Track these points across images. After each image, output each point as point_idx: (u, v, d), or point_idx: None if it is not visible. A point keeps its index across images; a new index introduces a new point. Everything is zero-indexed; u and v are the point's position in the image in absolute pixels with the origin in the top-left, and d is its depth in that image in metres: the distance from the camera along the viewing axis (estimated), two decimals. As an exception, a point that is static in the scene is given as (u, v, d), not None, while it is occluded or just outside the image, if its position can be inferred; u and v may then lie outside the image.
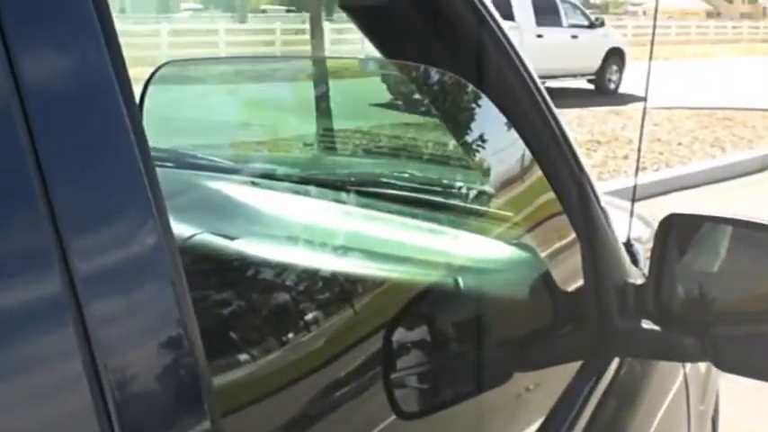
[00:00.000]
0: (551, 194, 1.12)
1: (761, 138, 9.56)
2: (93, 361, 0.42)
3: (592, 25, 14.60)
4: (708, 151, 8.77)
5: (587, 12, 15.55)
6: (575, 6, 14.66)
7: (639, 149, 1.77)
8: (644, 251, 1.59)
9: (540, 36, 13.00)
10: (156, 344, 0.46)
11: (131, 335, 0.45)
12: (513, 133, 1.09)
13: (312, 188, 1.37)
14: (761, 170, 8.15)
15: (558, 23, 13.85)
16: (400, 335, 0.97)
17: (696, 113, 11.02)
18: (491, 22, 1.04)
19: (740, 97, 12.02)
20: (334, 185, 1.41)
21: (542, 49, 11.84)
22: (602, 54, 14.30)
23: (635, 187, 1.46)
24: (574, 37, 14.00)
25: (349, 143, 1.80)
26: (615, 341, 1.17)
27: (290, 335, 0.97)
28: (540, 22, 13.30)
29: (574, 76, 13.86)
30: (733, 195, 6.93)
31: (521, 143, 1.09)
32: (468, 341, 1.10)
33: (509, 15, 11.92)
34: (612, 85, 14.40)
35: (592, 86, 14.33)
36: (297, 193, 1.34)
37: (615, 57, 14.50)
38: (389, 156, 1.69)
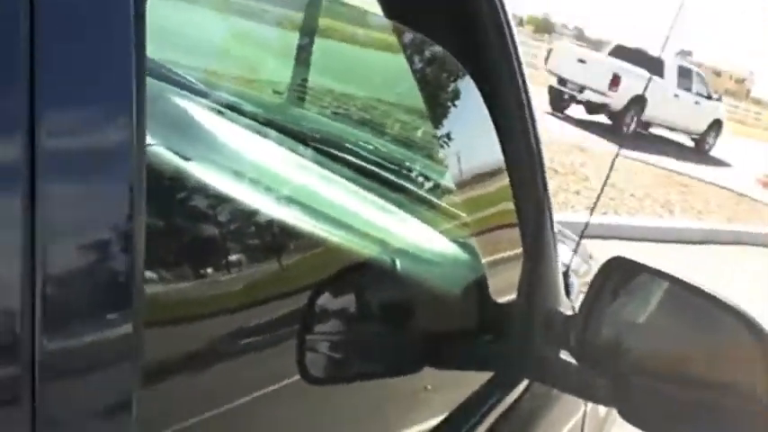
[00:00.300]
0: (510, 205, 1.11)
1: (711, 212, 9.78)
2: (33, 236, 0.42)
3: (709, 96, 18.03)
4: (657, 210, 8.95)
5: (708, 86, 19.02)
6: (702, 79, 18.22)
7: (602, 190, 1.77)
8: (578, 284, 1.60)
9: (676, 96, 16.33)
10: (100, 236, 0.46)
11: (79, 221, 0.45)
12: (492, 134, 1.07)
13: (274, 133, 1.33)
14: (701, 242, 8.33)
15: (689, 89, 17.11)
16: (322, 299, 0.95)
17: (656, 171, 11.24)
18: (506, 30, 1.03)
19: (702, 169, 12.32)
20: (297, 137, 1.38)
21: (674, 105, 15.99)
22: (709, 121, 17.89)
23: (587, 223, 1.46)
24: (696, 102, 17.21)
25: (322, 100, 1.77)
26: (530, 363, 1.17)
27: (212, 269, 0.94)
28: (678, 84, 16.58)
29: (684, 132, 17.76)
30: (669, 257, 7.07)
31: (496, 146, 1.07)
32: (386, 323, 1.08)
33: (660, 73, 15.26)
34: (707, 146, 18.13)
35: (692, 144, 18.05)
36: (258, 133, 1.30)
37: (717, 126, 18.29)
38: (359, 123, 1.65)
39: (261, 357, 0.92)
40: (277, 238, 1.06)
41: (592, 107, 15.44)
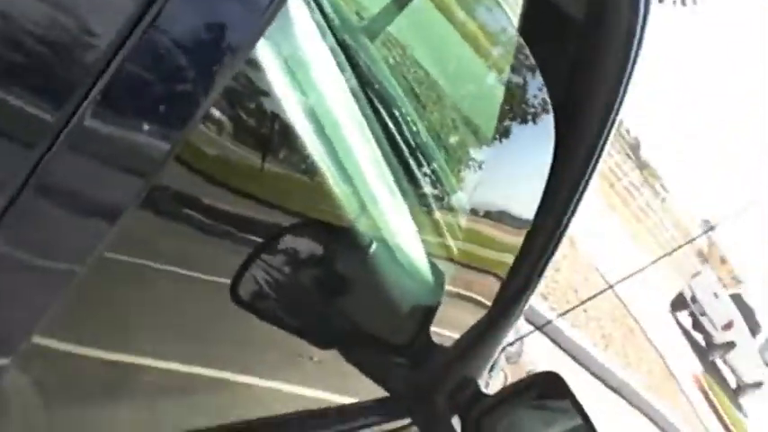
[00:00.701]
0: (508, 261, 1.06)
1: (639, 362, 9.90)
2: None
3: None
4: (595, 335, 9.01)
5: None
6: None
7: (581, 303, 1.73)
8: (502, 365, 1.55)
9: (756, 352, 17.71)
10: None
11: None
12: (539, 186, 1.01)
13: (337, 49, 1.23)
14: (614, 390, 8.44)
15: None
16: (291, 232, 0.95)
17: (617, 304, 11.29)
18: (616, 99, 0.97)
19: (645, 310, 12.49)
20: (354, 67, 1.27)
21: (752, 360, 17.55)
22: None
23: (549, 320, 1.42)
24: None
25: (392, 50, 1.66)
26: (423, 410, 1.13)
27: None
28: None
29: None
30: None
31: (536, 201, 1.02)
32: (327, 285, 1.04)
33: (755, 333, 17.42)
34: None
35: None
36: (323, 38, 1.20)
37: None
38: (410, 93, 1.55)
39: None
40: (283, 148, 0.98)
41: (699, 327, 17.64)
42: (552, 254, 1.10)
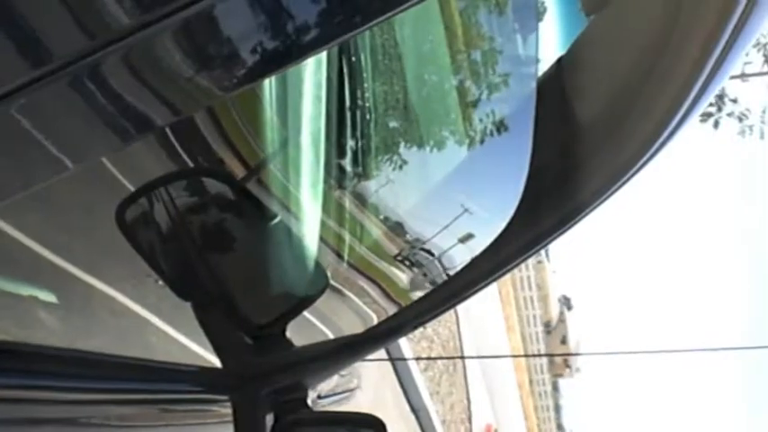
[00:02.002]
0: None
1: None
2: None
3: None
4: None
5: None
6: None
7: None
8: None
9: None
10: None
11: None
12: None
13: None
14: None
15: None
16: (195, 178, 0.92)
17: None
18: None
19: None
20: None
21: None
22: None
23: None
24: None
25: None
26: (245, 394, 1.08)
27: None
28: None
29: None
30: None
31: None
32: (208, 240, 0.98)
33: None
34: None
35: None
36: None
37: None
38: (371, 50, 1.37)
39: None
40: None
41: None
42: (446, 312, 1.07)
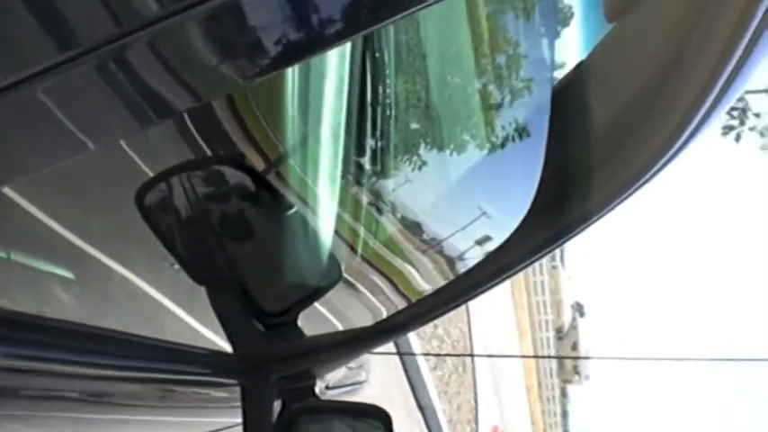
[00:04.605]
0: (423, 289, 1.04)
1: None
2: None
3: None
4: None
5: None
6: None
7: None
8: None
9: None
10: None
11: None
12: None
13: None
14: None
15: None
16: (217, 166, 0.91)
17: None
18: None
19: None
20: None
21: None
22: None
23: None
24: None
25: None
26: (254, 380, 1.09)
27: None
28: None
29: None
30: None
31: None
32: (226, 227, 0.99)
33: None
34: None
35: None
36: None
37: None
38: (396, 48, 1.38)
39: None
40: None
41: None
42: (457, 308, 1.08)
